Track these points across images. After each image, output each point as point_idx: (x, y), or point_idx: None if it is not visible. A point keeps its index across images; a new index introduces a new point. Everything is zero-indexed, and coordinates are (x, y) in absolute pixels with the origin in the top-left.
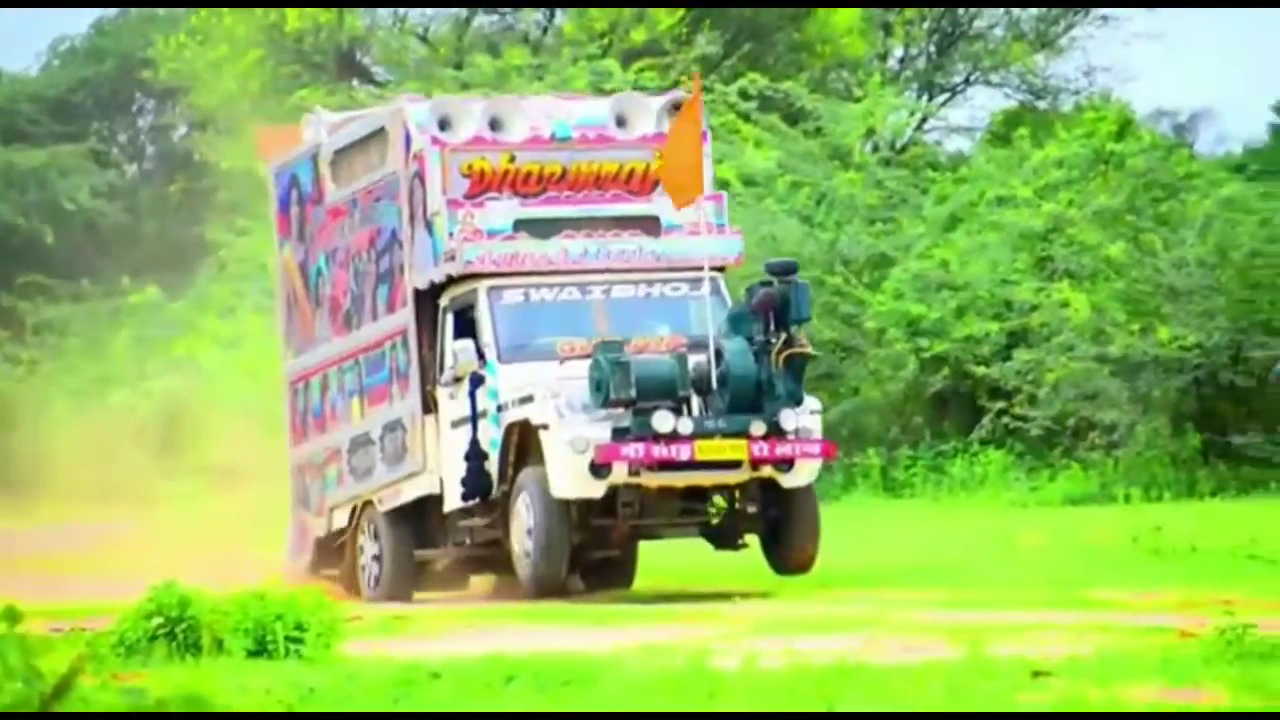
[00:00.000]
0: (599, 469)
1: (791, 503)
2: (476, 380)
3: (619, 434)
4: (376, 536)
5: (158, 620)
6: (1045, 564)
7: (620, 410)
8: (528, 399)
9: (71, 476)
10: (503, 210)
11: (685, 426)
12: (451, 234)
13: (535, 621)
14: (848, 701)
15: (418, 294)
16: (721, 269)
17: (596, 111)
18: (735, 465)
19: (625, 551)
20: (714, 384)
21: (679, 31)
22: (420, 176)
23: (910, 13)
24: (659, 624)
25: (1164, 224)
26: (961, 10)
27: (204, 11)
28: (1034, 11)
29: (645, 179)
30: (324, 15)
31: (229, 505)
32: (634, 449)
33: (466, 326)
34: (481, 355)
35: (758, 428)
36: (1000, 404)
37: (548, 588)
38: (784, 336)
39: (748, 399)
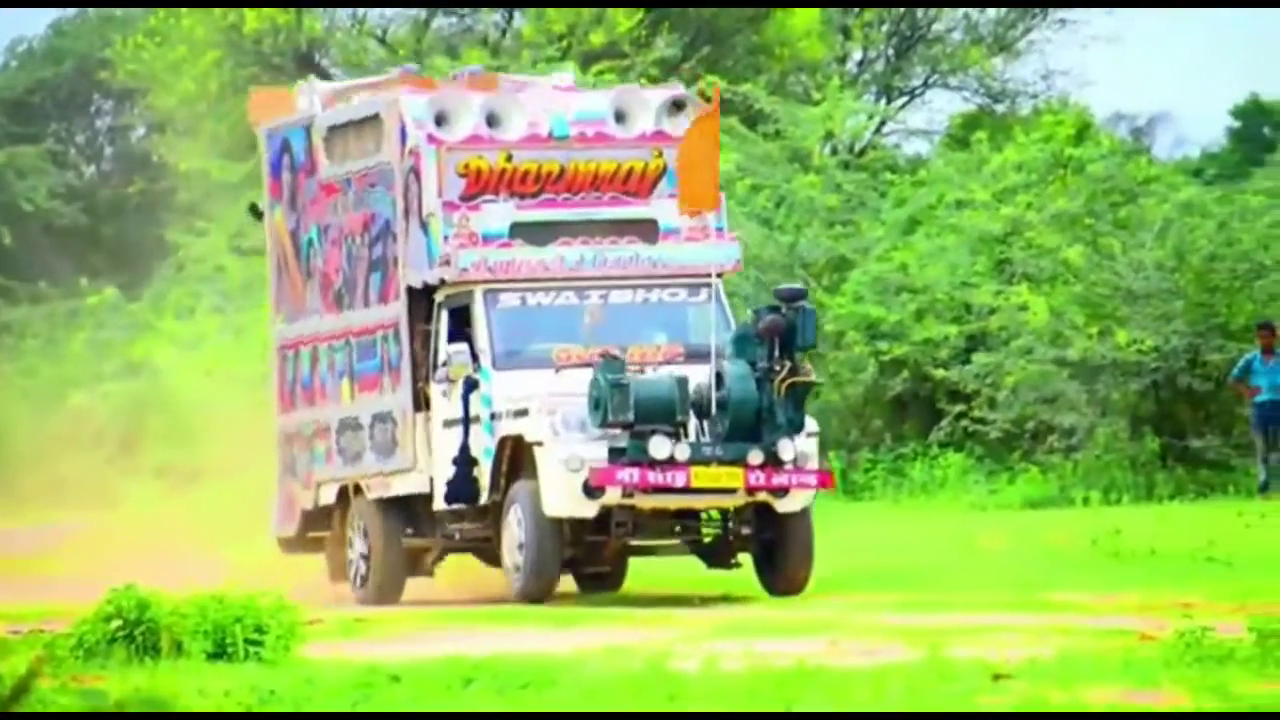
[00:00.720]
0: (593, 489)
1: (786, 526)
2: (470, 384)
3: (615, 454)
4: (365, 534)
5: (117, 623)
6: (1005, 567)
7: (616, 429)
8: (523, 412)
9: (31, 478)
10: (499, 214)
11: (682, 453)
12: (447, 238)
13: (496, 624)
14: (808, 703)
15: (411, 289)
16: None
17: (595, 105)
18: (731, 491)
19: (615, 563)
20: (714, 407)
21: (638, 34)
22: (416, 172)
23: (869, 15)
24: (620, 626)
25: (1122, 228)
26: (920, 13)
27: (162, 12)
28: (991, 15)
29: (643, 179)
30: (282, 16)
31: (189, 506)
32: (629, 474)
33: (461, 326)
34: (476, 359)
35: (755, 456)
36: (959, 407)
37: (536, 600)
38: (788, 364)
39: (747, 425)
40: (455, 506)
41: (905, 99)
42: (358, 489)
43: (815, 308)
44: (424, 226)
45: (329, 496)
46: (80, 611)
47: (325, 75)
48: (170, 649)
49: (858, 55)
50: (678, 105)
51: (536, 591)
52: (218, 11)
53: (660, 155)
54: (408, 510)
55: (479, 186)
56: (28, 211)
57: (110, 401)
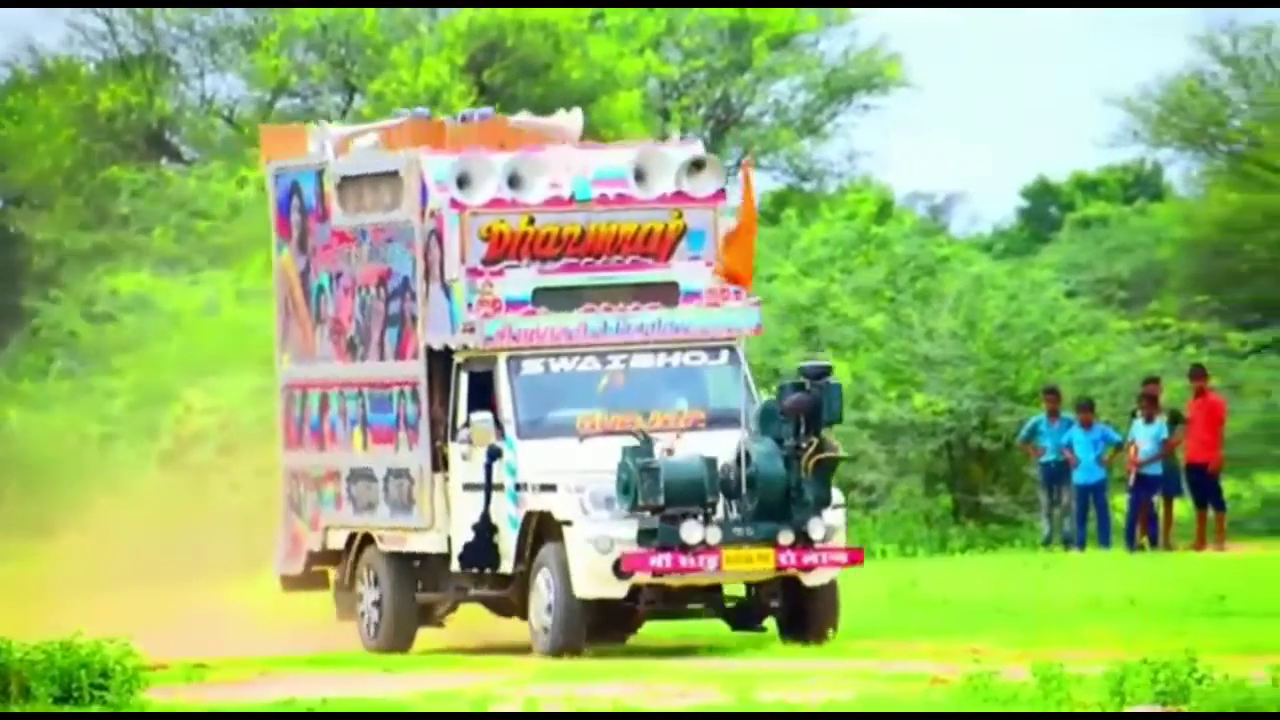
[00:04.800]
0: (623, 571)
1: (813, 595)
2: (493, 452)
3: (645, 536)
4: (376, 583)
5: None
6: None
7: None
8: (550, 487)
9: None
10: (522, 280)
11: (714, 536)
12: (471, 304)
13: (326, 669)
14: None
15: (430, 349)
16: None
17: (615, 164)
18: (761, 572)
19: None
20: (742, 487)
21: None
22: (438, 235)
23: (687, 100)
24: (447, 671)
25: (920, 299)
26: (734, 98)
27: (20, 93)
28: (801, 101)
29: (664, 240)
30: (135, 97)
31: (41, 560)
32: (662, 560)
33: (481, 390)
34: (499, 426)
35: (785, 536)
36: None
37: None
38: (815, 441)
39: (775, 503)
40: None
41: None
42: (369, 538)
43: (840, 383)
44: (446, 290)
45: (338, 541)
46: None
47: (176, 153)
48: (19, 694)
49: (676, 137)
50: (698, 165)
51: (563, 653)
52: (73, 90)
53: (680, 216)
54: (421, 564)
55: (501, 250)
56: None
57: None
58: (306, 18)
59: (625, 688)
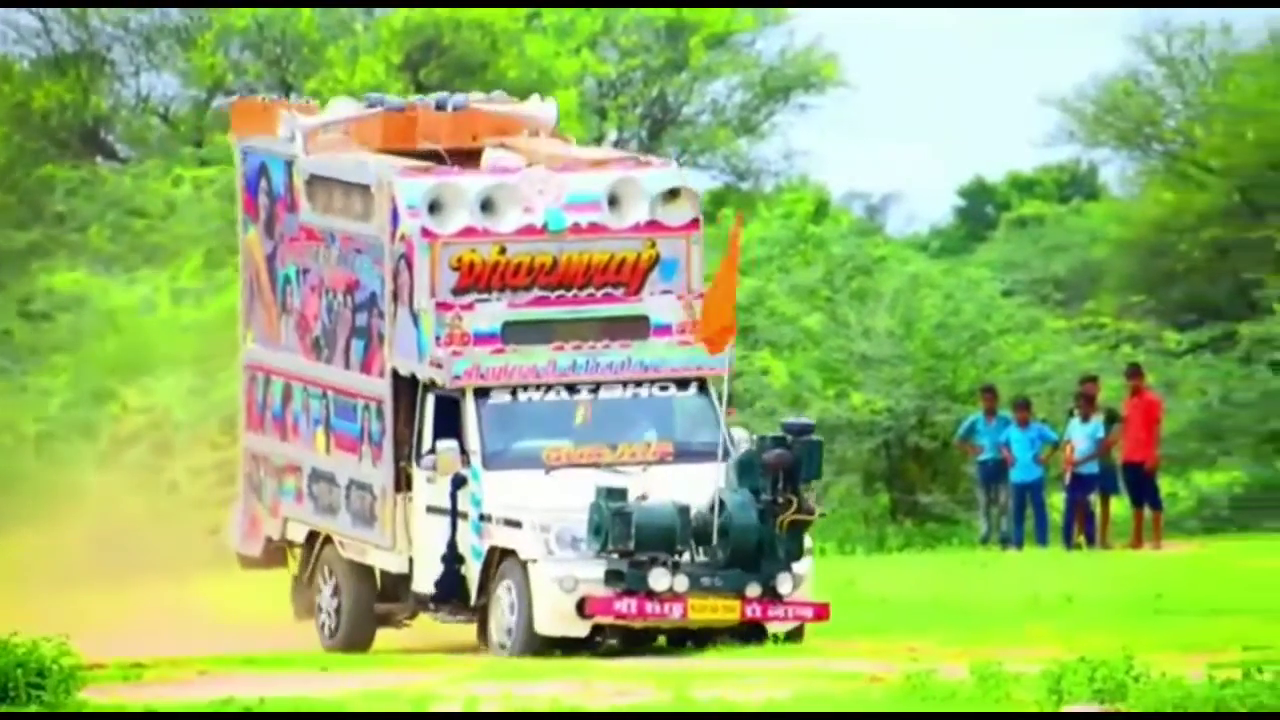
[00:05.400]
0: (587, 613)
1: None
2: (459, 480)
3: (611, 578)
4: (336, 591)
5: None
6: None
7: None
8: (514, 523)
9: None
10: (491, 314)
11: (681, 584)
12: (439, 338)
13: (269, 669)
14: None
15: (396, 372)
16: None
17: (589, 189)
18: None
19: None
20: (714, 536)
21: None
22: (408, 261)
23: (623, 99)
24: (385, 670)
25: (857, 298)
26: (671, 97)
27: None
28: (738, 100)
29: (635, 270)
30: (70, 95)
31: None
32: (627, 605)
33: (447, 416)
34: (464, 454)
35: (753, 589)
36: None
37: None
38: (794, 501)
39: (747, 554)
40: (430, 592)
41: None
42: (328, 540)
43: (821, 440)
44: (414, 318)
45: (297, 535)
46: None
47: (111, 151)
48: None
49: (613, 136)
50: (673, 194)
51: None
52: (7, 88)
53: (653, 246)
54: (382, 573)
55: (472, 280)
56: None
57: None
58: (242, 16)
59: (563, 686)
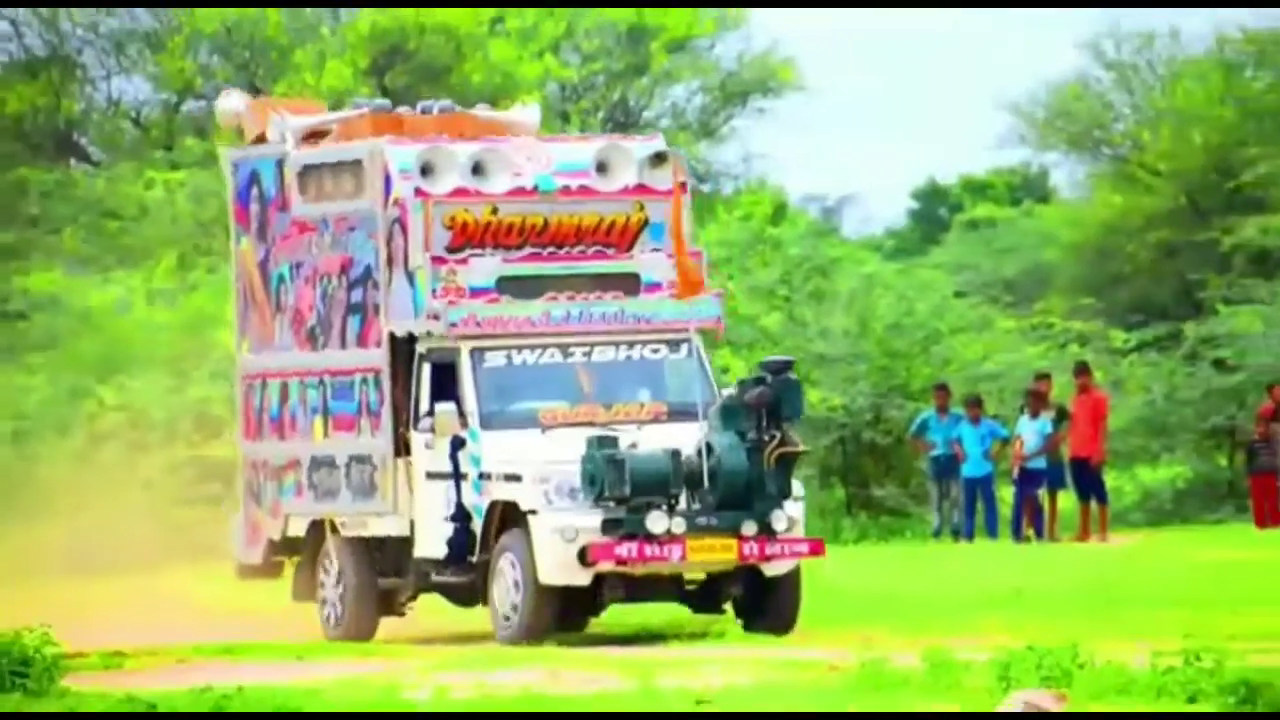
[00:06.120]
0: (588, 560)
1: (774, 586)
2: (457, 441)
3: (610, 525)
4: (338, 575)
5: None
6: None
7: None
8: (515, 477)
9: None
10: (486, 268)
11: (679, 526)
12: (435, 291)
13: (241, 658)
14: None
15: (393, 337)
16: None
17: (577, 157)
18: (724, 562)
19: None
20: (705, 479)
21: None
22: (401, 223)
23: (586, 103)
24: (356, 659)
25: (814, 298)
26: (632, 101)
27: None
28: (698, 103)
29: (625, 232)
30: (41, 99)
31: None
32: (627, 549)
33: (444, 380)
34: (462, 416)
35: (749, 527)
36: None
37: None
38: (777, 435)
39: (738, 495)
40: (435, 555)
41: None
42: (331, 526)
43: (799, 380)
44: (409, 277)
45: (298, 528)
46: None
47: (84, 154)
48: None
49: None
50: (659, 158)
51: (524, 643)
52: None
53: (642, 208)
54: (382, 551)
55: (465, 238)
56: None
57: None
58: (210, 20)
59: (532, 674)
